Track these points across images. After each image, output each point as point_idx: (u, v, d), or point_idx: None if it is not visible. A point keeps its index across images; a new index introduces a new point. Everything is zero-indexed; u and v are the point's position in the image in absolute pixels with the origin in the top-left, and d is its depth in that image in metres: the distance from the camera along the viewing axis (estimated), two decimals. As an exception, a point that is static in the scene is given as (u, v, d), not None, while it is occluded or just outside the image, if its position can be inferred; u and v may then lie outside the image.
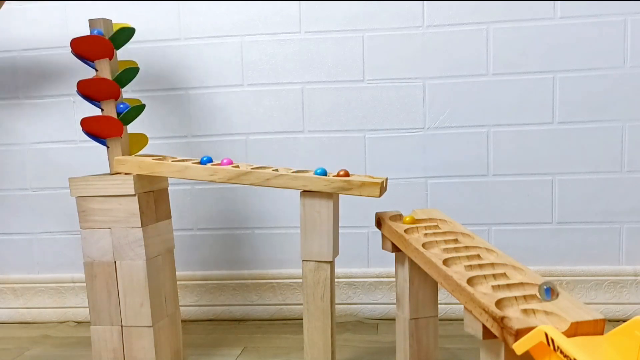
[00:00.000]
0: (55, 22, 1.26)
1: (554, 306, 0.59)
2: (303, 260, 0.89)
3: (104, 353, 0.93)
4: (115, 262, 0.91)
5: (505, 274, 0.69)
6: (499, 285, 0.65)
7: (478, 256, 0.75)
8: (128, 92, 1.22)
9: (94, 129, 0.94)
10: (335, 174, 0.89)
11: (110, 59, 0.92)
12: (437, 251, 0.77)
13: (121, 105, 0.93)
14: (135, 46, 1.21)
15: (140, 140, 1.01)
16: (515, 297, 0.62)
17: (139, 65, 0.98)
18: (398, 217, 0.90)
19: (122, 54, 0.98)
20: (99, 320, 0.93)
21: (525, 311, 0.59)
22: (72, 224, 1.28)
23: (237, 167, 0.92)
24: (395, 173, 1.21)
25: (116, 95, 0.93)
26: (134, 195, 0.89)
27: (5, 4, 0.95)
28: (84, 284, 0.94)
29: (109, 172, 0.96)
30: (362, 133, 1.22)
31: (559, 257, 1.20)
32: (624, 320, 0.65)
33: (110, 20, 0.94)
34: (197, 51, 1.24)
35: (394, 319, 0.92)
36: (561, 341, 0.50)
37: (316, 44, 1.21)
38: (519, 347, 0.54)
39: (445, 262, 0.72)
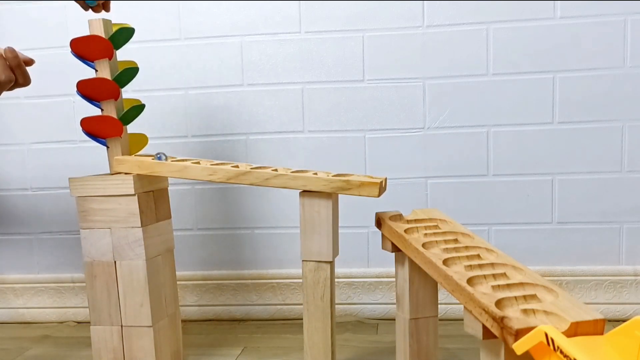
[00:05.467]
0: (55, 22, 1.26)
1: (554, 306, 0.59)
2: (303, 260, 0.89)
3: (104, 353, 0.93)
4: (115, 262, 0.91)
5: (505, 274, 0.69)
6: (499, 285, 0.65)
7: (478, 256, 0.75)
8: (128, 92, 1.22)
9: (94, 129, 0.94)
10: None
11: (109, 59, 0.92)
12: (437, 251, 0.77)
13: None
14: (135, 46, 1.21)
15: (140, 140, 1.00)
16: (515, 297, 0.62)
17: (139, 65, 0.98)
18: (398, 217, 0.90)
19: (122, 54, 0.98)
20: (99, 320, 0.93)
21: (525, 311, 0.59)
22: (72, 224, 1.28)
23: (237, 167, 0.92)
24: (395, 173, 1.21)
25: (116, 95, 0.93)
26: (134, 195, 0.89)
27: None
28: (84, 284, 0.94)
29: (109, 172, 0.96)
30: (362, 133, 1.22)
31: (559, 257, 1.20)
32: (624, 320, 0.65)
33: (110, 21, 0.94)
34: (197, 51, 1.24)
35: (394, 319, 0.92)
36: (561, 341, 0.50)
37: (316, 44, 1.21)
38: (519, 347, 0.54)
39: (445, 262, 0.72)
